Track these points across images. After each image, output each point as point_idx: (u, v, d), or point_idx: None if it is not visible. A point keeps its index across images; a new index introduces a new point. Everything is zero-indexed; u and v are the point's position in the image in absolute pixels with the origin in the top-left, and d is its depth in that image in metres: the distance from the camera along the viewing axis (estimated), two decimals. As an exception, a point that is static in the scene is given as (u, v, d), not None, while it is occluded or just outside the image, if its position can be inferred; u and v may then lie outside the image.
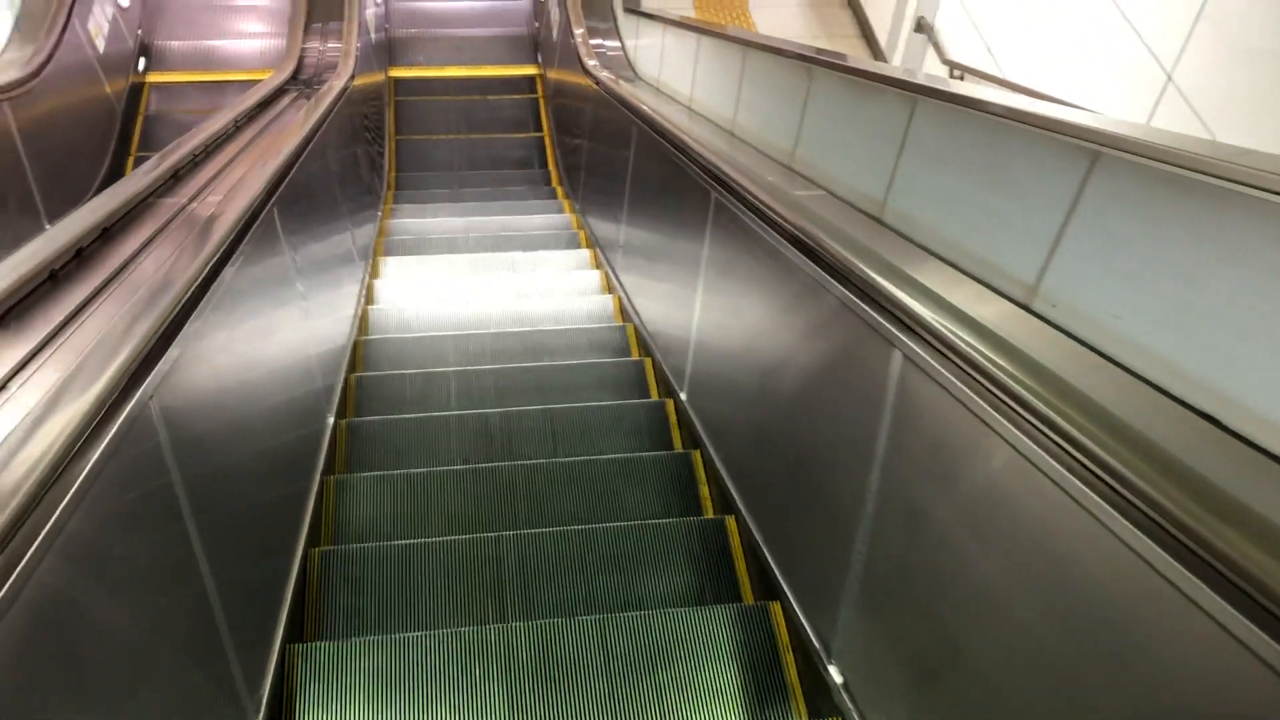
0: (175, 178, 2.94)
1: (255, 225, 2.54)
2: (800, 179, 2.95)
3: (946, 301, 1.75)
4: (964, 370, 1.56)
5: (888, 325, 1.83)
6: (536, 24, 8.18)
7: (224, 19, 8.28)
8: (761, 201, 2.62)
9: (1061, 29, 5.49)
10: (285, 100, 5.19)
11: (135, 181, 2.63)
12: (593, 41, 6.10)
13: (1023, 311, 1.73)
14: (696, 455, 3.43)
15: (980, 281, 1.89)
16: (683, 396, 3.66)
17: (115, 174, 6.52)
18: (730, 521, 3.04)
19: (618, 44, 6.33)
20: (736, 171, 2.83)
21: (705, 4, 8.70)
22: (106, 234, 2.29)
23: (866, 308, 1.95)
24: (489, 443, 3.64)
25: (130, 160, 6.87)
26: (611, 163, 5.15)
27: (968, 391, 1.55)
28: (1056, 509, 1.33)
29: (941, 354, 1.64)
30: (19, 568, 1.17)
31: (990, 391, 1.49)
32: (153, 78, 7.56)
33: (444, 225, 6.17)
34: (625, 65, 6.12)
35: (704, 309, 3.26)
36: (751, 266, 2.78)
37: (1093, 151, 1.61)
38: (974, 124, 2.00)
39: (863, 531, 1.97)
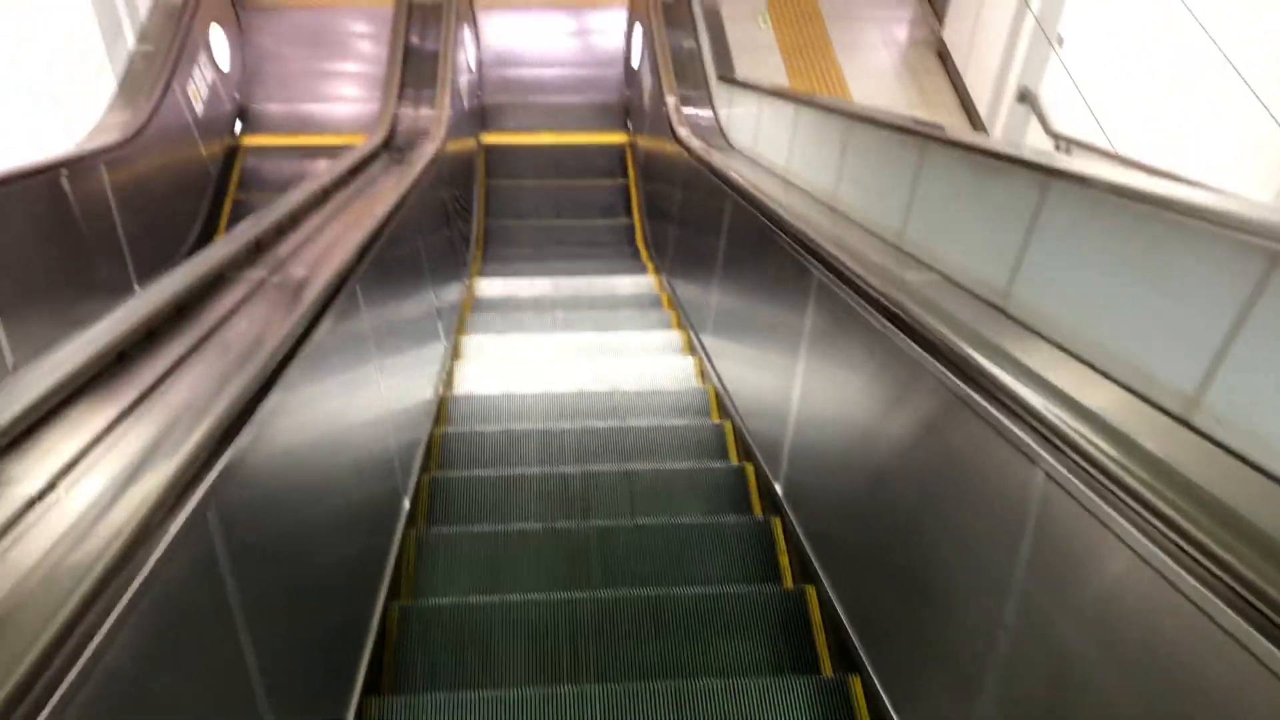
0: (257, 248, 2.88)
1: (336, 301, 2.44)
2: (910, 260, 2.77)
3: (1097, 416, 1.55)
4: (1124, 502, 1.36)
5: (1027, 439, 1.63)
6: (627, 91, 8.17)
7: (321, 84, 8.44)
8: (869, 285, 2.45)
9: (1179, 101, 5.25)
10: (376, 166, 5.19)
11: (215, 254, 2.57)
12: (685, 110, 6.02)
13: (1184, 429, 1.53)
14: (776, 522, 3.31)
15: (1127, 388, 1.69)
16: (766, 465, 3.49)
17: (208, 235, 6.61)
18: (810, 591, 2.92)
19: (710, 113, 6.24)
20: (841, 251, 2.66)
21: (799, 71, 8.62)
22: (181, 311, 2.21)
23: (997, 413, 1.75)
24: (568, 502, 3.60)
25: (223, 221, 6.97)
26: (702, 231, 5.02)
27: (1130, 528, 1.34)
28: (1248, 680, 1.12)
29: (1095, 480, 1.44)
30: (90, 649, 1.10)
31: (1158, 530, 1.28)
32: (248, 140, 7.70)
33: (530, 286, 6.11)
34: (718, 134, 6.02)
35: (802, 387, 3.08)
36: (857, 350, 2.60)
37: (1272, 251, 1.41)
38: (1118, 211, 1.81)
39: (996, 674, 1.76)
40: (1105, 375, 1.75)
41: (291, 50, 8.75)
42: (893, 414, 2.40)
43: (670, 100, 6.00)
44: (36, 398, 1.51)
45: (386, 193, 3.85)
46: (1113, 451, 1.45)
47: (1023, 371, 1.81)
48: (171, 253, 6.02)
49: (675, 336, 5.07)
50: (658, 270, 6.34)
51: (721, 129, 6.09)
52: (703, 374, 4.61)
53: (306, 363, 2.15)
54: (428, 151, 5.14)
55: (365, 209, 3.48)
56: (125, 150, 5.25)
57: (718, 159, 4.70)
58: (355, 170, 4.84)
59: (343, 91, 8.42)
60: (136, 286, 5.31)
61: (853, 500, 2.68)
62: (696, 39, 6.99)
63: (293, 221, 3.27)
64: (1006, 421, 1.72)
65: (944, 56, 8.77)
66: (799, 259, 2.96)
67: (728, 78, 5.99)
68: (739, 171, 4.15)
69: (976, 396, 1.86)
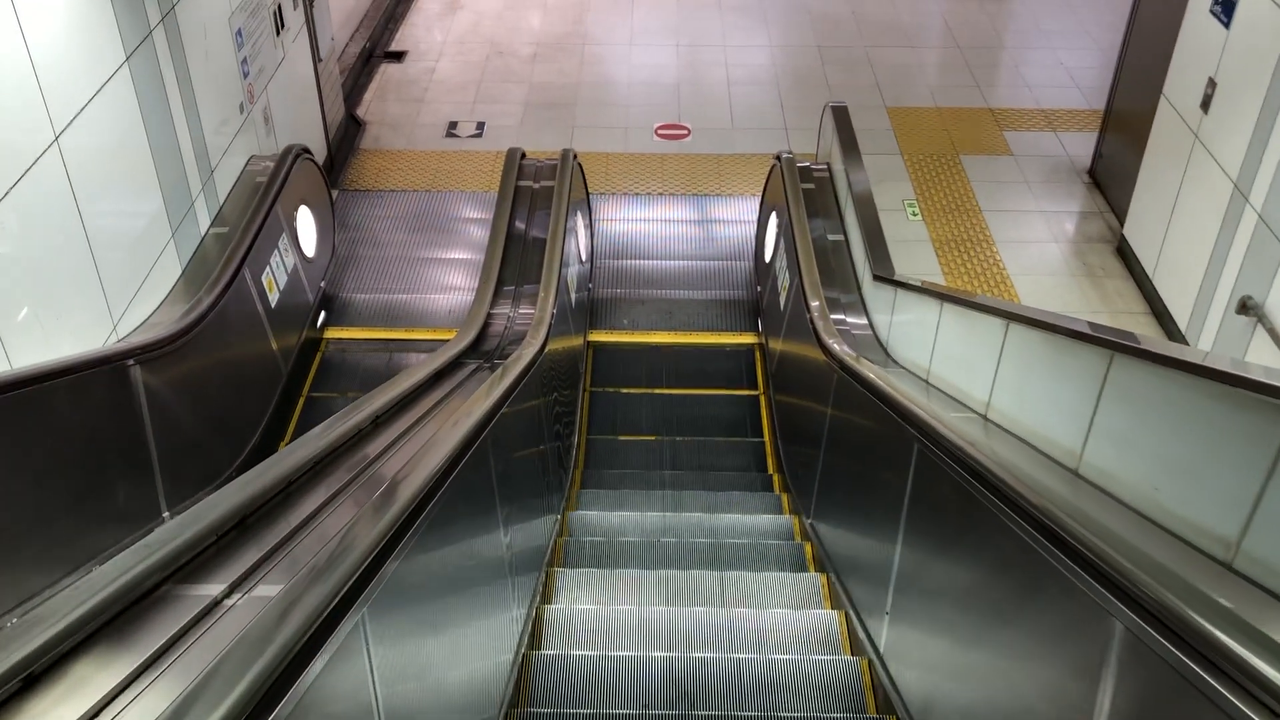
0: (241, 527, 1.99)
1: (314, 662, 1.49)
2: (1265, 598, 1.72)
3: None
4: None
5: None
6: (759, 287, 7.34)
7: (420, 271, 7.85)
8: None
9: None
10: (460, 375, 4.37)
11: (165, 546, 1.69)
12: (834, 316, 5.11)
13: None
14: None
15: None
16: None
17: (271, 440, 5.86)
18: None
19: (863, 320, 5.32)
20: (1169, 591, 1.62)
21: (955, 268, 7.72)
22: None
23: None
24: None
25: (292, 425, 6.24)
26: (865, 473, 4.00)
27: None
28: None
29: None
30: None
31: None
32: (331, 333, 7.06)
33: (637, 524, 5.12)
34: (874, 345, 5.08)
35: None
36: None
37: None
38: None
39: None
40: None
41: (389, 235, 8.25)
42: None
43: (815, 304, 5.11)
44: None
45: (456, 424, 2.97)
46: None
47: None
48: (223, 463, 5.26)
49: (830, 621, 3.93)
50: (796, 509, 5.29)
51: (879, 339, 5.15)
52: (873, 687, 3.46)
53: None
54: (524, 356, 4.32)
55: (417, 462, 2.59)
56: (170, 349, 4.56)
57: (880, 378, 3.71)
58: (436, 378, 4.04)
59: (445, 280, 7.80)
60: (165, 514, 4.52)
61: None
62: (844, 231, 6.17)
63: (311, 477, 2.40)
64: None
65: (1125, 255, 7.77)
66: (1075, 581, 1.91)
67: (886, 277, 5.09)
68: (924, 407, 3.16)
69: None
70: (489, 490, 3.08)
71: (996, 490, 2.31)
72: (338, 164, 8.95)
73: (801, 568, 4.56)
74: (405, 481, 2.25)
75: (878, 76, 10.48)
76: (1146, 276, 7.39)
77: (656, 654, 3.64)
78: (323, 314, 7.04)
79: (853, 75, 10.53)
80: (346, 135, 9.38)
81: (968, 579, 2.75)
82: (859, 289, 5.63)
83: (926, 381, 4.21)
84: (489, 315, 5.01)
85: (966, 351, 3.66)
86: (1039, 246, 8.04)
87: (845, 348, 4.59)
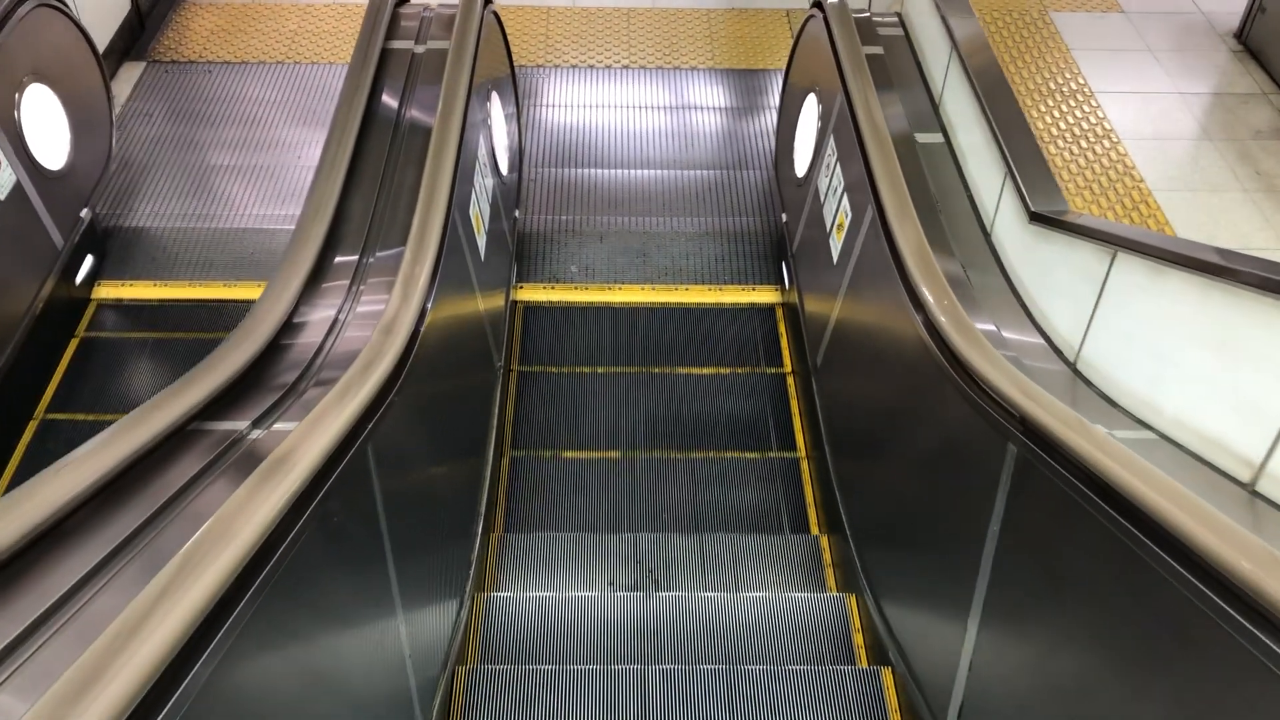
0: None
1: None
2: None
3: None
4: None
5: None
6: (784, 214, 5.03)
7: (261, 186, 5.45)
8: None
9: None
10: (192, 461, 2.07)
11: None
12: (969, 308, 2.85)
13: None
14: None
15: None
16: None
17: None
18: None
19: (1014, 306, 3.07)
20: None
21: (1068, 179, 5.47)
22: None
23: None
24: None
25: (5, 478, 3.94)
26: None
27: None
28: None
29: None
30: None
31: None
32: (105, 291, 4.71)
33: (587, 703, 2.94)
34: (1042, 350, 2.85)
35: None
36: None
37: None
38: None
39: None
40: None
41: (219, 129, 5.81)
42: None
43: (928, 292, 2.83)
44: None
45: None
46: None
47: None
48: None
49: None
50: (881, 654, 3.09)
51: (1047, 339, 2.91)
52: None
53: None
54: (362, 390, 2.07)
55: None
56: None
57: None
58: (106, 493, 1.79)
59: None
60: None
61: None
62: (943, 126, 3.87)
63: None
64: None
65: (1316, 158, 5.56)
66: None
67: (1062, 219, 2.85)
68: None
69: None
70: None
71: None
72: (151, 24, 6.48)
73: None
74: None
75: (921, -96, 8.06)
76: (1361, 191, 5.19)
77: None
78: (89, 261, 4.66)
79: (887, -98, 8.10)
80: (169, -17, 6.89)
81: None
82: (986, 236, 3.37)
83: (1253, 490, 1.99)
84: (295, 304, 2.68)
85: None
86: (1183, 146, 5.78)
87: (987, 359, 2.35)
